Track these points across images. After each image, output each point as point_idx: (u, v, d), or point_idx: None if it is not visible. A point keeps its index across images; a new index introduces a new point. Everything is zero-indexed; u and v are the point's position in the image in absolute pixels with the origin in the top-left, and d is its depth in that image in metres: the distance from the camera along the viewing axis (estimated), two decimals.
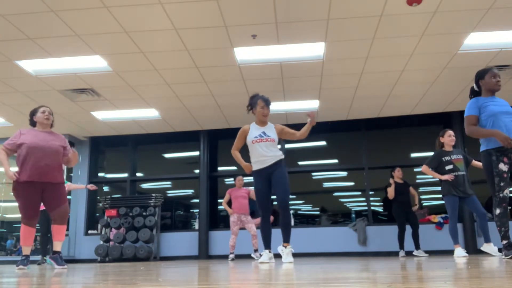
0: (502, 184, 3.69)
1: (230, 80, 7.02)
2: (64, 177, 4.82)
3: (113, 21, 5.21)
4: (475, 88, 4.10)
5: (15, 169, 4.41)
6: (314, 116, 4.33)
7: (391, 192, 7.17)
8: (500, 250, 5.20)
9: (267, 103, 4.51)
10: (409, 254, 7.48)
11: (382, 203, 9.29)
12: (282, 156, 4.49)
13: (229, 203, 7.44)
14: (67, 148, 4.63)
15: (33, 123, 4.62)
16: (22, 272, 3.74)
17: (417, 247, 7.08)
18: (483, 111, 3.84)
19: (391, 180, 7.22)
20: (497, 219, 3.73)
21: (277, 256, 5.41)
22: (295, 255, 8.46)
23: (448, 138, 5.64)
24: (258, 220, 7.18)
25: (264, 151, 4.38)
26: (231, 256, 7.23)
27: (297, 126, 9.54)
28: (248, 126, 4.54)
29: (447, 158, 5.58)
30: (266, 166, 4.39)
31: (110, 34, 5.53)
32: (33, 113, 4.62)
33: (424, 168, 5.71)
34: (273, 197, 4.50)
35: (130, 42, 5.73)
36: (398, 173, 7.31)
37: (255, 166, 4.44)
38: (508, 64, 6.65)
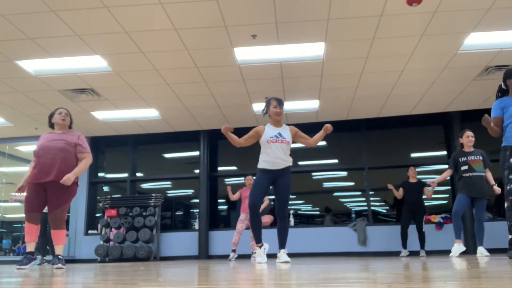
0: (510, 176, 3.74)
1: (230, 80, 7.02)
2: None
3: (113, 21, 5.21)
4: (503, 86, 4.10)
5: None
6: (329, 130, 4.43)
7: (399, 193, 7.29)
8: (494, 251, 5.24)
9: (279, 102, 4.54)
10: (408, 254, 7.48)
11: (392, 203, 9.29)
12: (291, 163, 4.55)
13: (233, 203, 7.45)
14: (80, 145, 4.56)
15: (51, 125, 4.66)
16: (23, 272, 3.73)
17: (422, 247, 7.12)
18: (506, 111, 3.90)
19: (399, 192, 7.29)
20: (506, 212, 3.77)
21: (274, 256, 5.41)
22: (295, 255, 8.48)
23: (466, 139, 5.76)
24: (263, 219, 7.19)
25: (280, 153, 4.40)
26: (232, 254, 7.21)
27: (297, 127, 9.52)
28: (262, 127, 4.55)
29: (463, 158, 5.68)
30: (275, 169, 4.42)
31: (110, 34, 5.53)
32: (51, 115, 4.66)
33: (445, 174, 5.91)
34: (271, 197, 4.52)
35: (130, 42, 5.73)
36: (410, 172, 7.40)
37: (264, 165, 4.44)
38: (508, 64, 6.65)
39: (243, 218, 7.28)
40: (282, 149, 4.42)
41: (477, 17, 5.33)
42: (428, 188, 7.24)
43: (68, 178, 4.25)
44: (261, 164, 4.47)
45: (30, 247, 4.40)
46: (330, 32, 5.62)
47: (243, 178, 7.79)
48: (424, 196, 7.30)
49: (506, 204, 3.76)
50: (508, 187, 3.74)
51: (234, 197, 7.43)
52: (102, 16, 5.09)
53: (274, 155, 4.40)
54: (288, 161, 4.48)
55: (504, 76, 4.06)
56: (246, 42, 5.84)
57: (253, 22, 5.35)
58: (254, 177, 4.59)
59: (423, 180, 7.47)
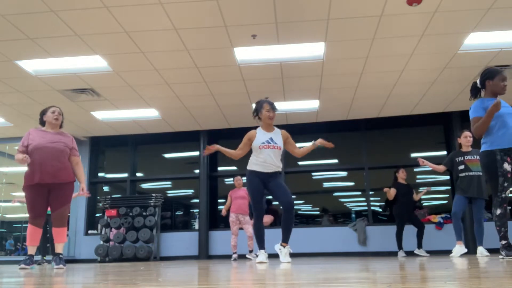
0: (505, 184, 3.67)
1: (230, 80, 7.02)
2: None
3: (113, 21, 5.21)
4: (478, 85, 4.03)
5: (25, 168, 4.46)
6: (329, 145, 4.41)
7: (391, 194, 7.20)
8: (494, 251, 5.22)
9: (272, 106, 4.49)
10: (408, 254, 7.49)
11: (384, 203, 9.28)
12: (281, 169, 4.56)
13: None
14: (74, 148, 4.62)
15: (42, 123, 4.64)
16: (24, 272, 3.73)
17: (419, 246, 7.10)
18: None
19: (391, 191, 7.21)
20: (497, 219, 3.71)
21: (273, 256, 5.41)
22: (295, 255, 8.47)
23: (464, 139, 5.80)
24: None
25: (271, 158, 4.38)
26: (234, 256, 7.26)
27: (297, 127, 9.53)
28: (254, 131, 4.51)
29: (460, 158, 5.71)
30: (266, 171, 4.40)
31: (110, 34, 5.53)
32: (43, 112, 4.64)
33: (439, 167, 5.97)
34: (270, 197, 4.52)
35: (130, 42, 5.73)
36: (402, 174, 7.33)
37: (255, 167, 4.41)
38: (508, 64, 6.65)
39: (234, 219, 7.31)
40: (273, 154, 4.40)
41: (477, 17, 5.33)
42: (421, 189, 7.25)
43: (86, 189, 4.68)
44: (251, 166, 4.43)
45: (32, 250, 4.42)
46: (330, 32, 5.62)
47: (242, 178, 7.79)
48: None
49: (499, 211, 3.69)
50: (503, 195, 3.69)
51: (227, 204, 7.50)
52: (102, 16, 5.09)
53: (265, 160, 4.38)
54: (278, 167, 4.47)
55: (484, 76, 3.94)
56: (246, 42, 5.84)
57: (253, 22, 5.35)
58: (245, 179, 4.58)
59: (419, 181, 7.45)
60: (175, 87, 7.27)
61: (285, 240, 4.41)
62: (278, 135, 4.51)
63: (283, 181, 4.52)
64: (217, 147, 4.41)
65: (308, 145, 4.48)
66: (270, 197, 4.61)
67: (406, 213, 7.17)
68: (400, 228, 7.18)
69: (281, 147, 4.46)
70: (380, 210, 9.33)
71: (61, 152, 4.43)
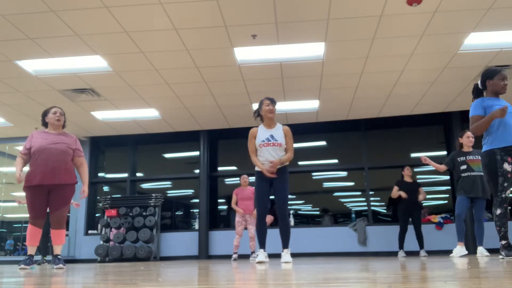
0: (505, 184, 3.67)
1: (230, 80, 7.02)
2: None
3: (113, 21, 5.21)
4: (480, 86, 4.04)
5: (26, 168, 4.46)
6: (271, 170, 4.35)
7: (394, 192, 7.21)
8: (494, 251, 5.22)
9: (272, 101, 4.56)
10: (408, 254, 7.49)
11: (387, 202, 9.26)
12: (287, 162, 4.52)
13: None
14: (78, 149, 4.62)
15: (44, 124, 4.64)
16: (23, 272, 3.73)
17: (421, 247, 7.11)
18: (489, 111, 3.79)
19: (400, 192, 7.17)
20: (497, 219, 3.72)
21: (273, 255, 5.42)
22: (295, 255, 8.48)
23: (467, 139, 5.79)
24: None
25: (271, 155, 4.41)
26: (234, 256, 7.24)
27: (298, 126, 9.53)
28: (255, 129, 4.55)
29: (461, 158, 5.71)
30: None
31: (110, 34, 5.53)
32: (45, 113, 4.63)
33: (440, 166, 5.97)
34: (273, 197, 4.52)
35: (130, 42, 5.73)
36: (407, 171, 7.34)
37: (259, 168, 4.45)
38: (508, 64, 6.65)
39: (241, 219, 7.29)
40: (274, 151, 4.42)
41: (477, 17, 5.33)
42: (423, 189, 7.22)
43: (86, 192, 4.61)
44: (257, 167, 4.48)
45: (32, 250, 4.42)
46: (330, 32, 5.62)
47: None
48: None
49: (499, 211, 3.69)
50: (503, 195, 3.69)
51: (233, 201, 7.45)
52: (102, 16, 5.09)
53: (266, 158, 4.41)
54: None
55: (484, 76, 3.96)
56: (246, 42, 5.84)
57: (253, 22, 5.35)
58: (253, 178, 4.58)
59: (419, 180, 7.43)
60: (175, 87, 7.27)
61: (285, 246, 4.44)
62: (279, 131, 4.53)
63: (287, 181, 4.49)
64: (267, 168, 4.35)
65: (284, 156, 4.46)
66: (273, 197, 4.60)
67: (407, 212, 7.16)
68: (403, 228, 7.18)
69: (281, 144, 4.47)
70: (381, 210, 9.32)
71: (63, 153, 4.43)
